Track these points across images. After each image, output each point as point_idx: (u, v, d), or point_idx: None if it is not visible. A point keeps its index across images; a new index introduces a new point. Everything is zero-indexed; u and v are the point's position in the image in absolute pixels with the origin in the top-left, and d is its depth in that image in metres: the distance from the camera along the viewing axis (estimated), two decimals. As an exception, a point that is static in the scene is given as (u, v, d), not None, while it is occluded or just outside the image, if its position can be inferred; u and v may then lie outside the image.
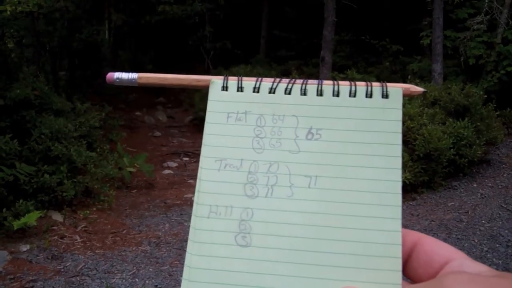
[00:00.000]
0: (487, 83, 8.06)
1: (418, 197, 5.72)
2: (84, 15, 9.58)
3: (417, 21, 10.27)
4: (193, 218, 0.44)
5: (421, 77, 8.16)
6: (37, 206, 4.75)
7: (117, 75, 0.49)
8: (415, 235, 0.43)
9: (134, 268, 4.10)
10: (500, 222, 4.92)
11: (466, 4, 8.81)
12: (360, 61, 11.20)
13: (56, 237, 4.62)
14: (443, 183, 5.96)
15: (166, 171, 7.32)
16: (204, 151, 0.46)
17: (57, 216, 5.01)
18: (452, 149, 5.77)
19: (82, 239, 4.66)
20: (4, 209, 4.54)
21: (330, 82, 0.46)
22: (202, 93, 7.40)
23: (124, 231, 4.94)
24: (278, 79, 0.47)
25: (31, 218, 4.41)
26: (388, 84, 0.46)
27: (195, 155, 8.03)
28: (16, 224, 4.33)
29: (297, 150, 0.45)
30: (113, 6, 12.89)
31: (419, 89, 0.47)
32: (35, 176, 4.89)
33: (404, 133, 5.85)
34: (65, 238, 4.64)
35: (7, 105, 5.23)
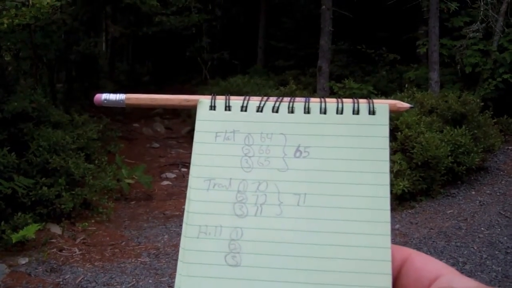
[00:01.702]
0: (484, 90, 8.09)
1: (417, 205, 5.70)
2: (81, 27, 9.58)
3: (413, 30, 10.33)
4: (182, 238, 0.44)
5: (418, 86, 8.18)
6: (35, 219, 4.73)
7: (105, 96, 0.49)
8: (405, 251, 0.43)
9: (134, 280, 4.08)
10: (499, 229, 4.92)
11: (461, 12, 8.86)
12: (357, 70, 11.23)
13: (54, 250, 4.60)
14: (442, 191, 5.95)
15: (165, 182, 7.30)
16: (193, 171, 0.46)
17: (56, 229, 4.99)
18: (450, 157, 5.77)
19: (81, 252, 4.63)
20: (3, 222, 4.52)
21: (317, 99, 0.46)
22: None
23: (123, 243, 4.92)
24: (265, 98, 0.47)
25: (30, 231, 4.39)
26: (374, 100, 0.46)
27: (194, 165, 8.00)
28: (15, 237, 4.31)
29: (286, 168, 0.45)
30: (110, 18, 12.92)
31: (405, 105, 0.47)
32: (33, 188, 4.87)
33: (402, 141, 5.85)
34: (63, 251, 4.62)
35: (5, 118, 5.22)
